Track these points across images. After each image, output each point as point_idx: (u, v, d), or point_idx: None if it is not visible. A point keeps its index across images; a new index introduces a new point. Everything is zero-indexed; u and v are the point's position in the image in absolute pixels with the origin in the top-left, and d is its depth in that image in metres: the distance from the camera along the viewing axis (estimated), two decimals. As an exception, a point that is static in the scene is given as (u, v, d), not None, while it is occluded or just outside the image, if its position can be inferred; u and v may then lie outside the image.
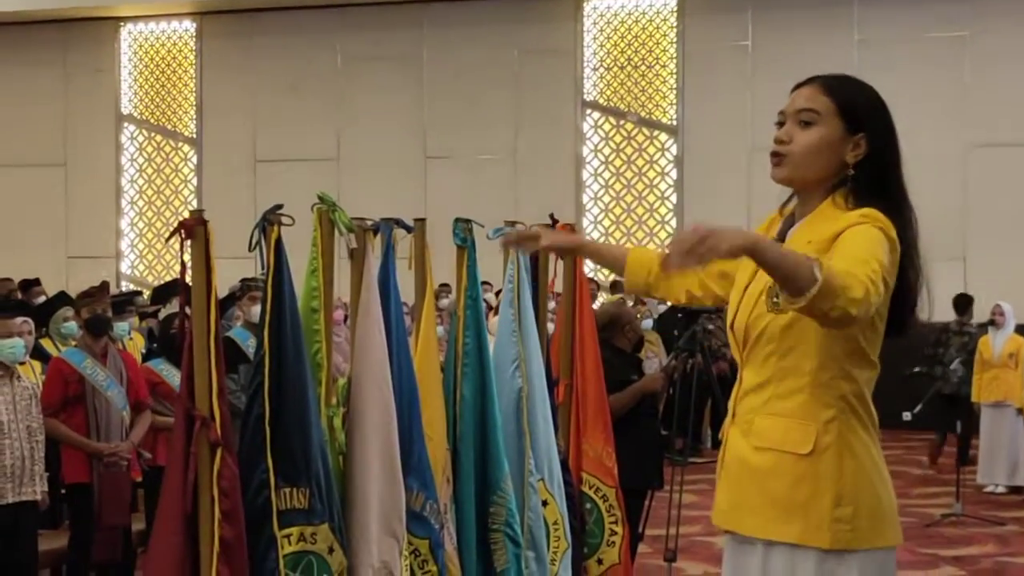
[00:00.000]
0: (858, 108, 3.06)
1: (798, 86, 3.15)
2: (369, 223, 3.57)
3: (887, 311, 3.03)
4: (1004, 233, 16.29)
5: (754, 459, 3.08)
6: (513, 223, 4.28)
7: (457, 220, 4.06)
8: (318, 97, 19.34)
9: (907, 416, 9.79)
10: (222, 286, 7.20)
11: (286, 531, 3.23)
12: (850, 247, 2.89)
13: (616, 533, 4.77)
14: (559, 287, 4.87)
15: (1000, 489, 12.21)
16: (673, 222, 18.37)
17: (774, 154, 3.11)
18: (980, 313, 12.42)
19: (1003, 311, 12.23)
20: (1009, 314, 12.24)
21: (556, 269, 4.72)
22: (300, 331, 3.30)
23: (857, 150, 3.05)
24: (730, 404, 3.18)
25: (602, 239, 18.04)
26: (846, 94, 3.10)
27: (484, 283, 4.25)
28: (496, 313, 4.70)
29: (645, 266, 3.46)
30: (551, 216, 4.66)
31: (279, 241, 3.26)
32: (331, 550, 3.30)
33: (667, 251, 2.80)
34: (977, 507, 11.14)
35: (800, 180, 3.11)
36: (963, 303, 12.63)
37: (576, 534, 4.51)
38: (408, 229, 3.74)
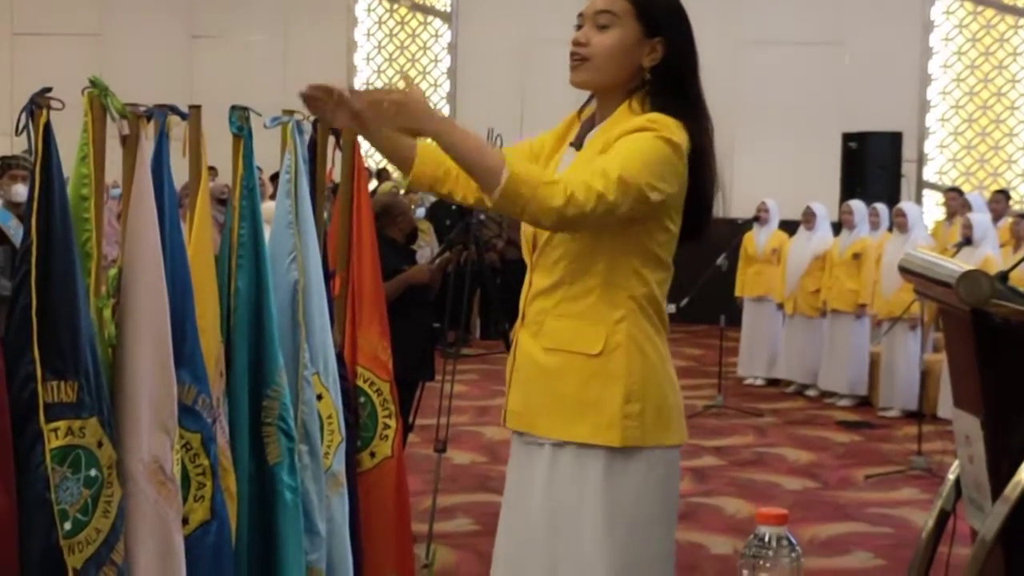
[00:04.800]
0: (656, 11, 3.07)
1: None
2: (143, 109, 3.44)
3: (680, 216, 3.07)
4: (770, 131, 16.72)
5: (544, 360, 3.11)
6: (291, 112, 4.18)
7: (234, 108, 3.94)
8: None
9: (672, 309, 9.97)
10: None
11: (53, 425, 3.12)
12: (607, 156, 2.93)
13: (389, 427, 4.76)
14: (337, 177, 4.80)
15: (759, 382, 12.66)
16: (446, 110, 18.35)
17: (572, 56, 3.11)
18: (746, 209, 12.76)
19: (768, 208, 12.60)
20: (773, 211, 12.62)
21: (335, 158, 4.64)
22: (69, 220, 3.17)
23: (654, 54, 3.07)
24: (520, 306, 3.19)
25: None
26: None
27: (256, 167, 4.15)
28: (273, 198, 4.60)
29: (436, 160, 3.27)
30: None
31: (48, 126, 3.12)
32: (100, 444, 3.21)
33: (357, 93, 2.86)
34: (738, 399, 11.54)
35: (597, 84, 3.12)
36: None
37: (350, 427, 4.49)
38: (183, 116, 3.61)
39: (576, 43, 3.11)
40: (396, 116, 2.87)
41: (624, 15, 3.07)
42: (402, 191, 9.00)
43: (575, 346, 3.06)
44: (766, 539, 2.14)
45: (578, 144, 3.17)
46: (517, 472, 3.25)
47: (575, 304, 3.07)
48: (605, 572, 3.05)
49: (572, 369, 3.06)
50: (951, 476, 3.38)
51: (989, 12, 17.24)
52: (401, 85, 2.93)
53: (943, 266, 3.13)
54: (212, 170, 11.04)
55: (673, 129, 2.97)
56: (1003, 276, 2.94)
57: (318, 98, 3.13)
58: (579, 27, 3.13)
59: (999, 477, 2.98)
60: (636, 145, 2.93)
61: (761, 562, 2.13)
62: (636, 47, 3.07)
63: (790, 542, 2.15)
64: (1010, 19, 17.19)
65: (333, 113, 3.11)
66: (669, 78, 3.07)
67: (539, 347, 3.12)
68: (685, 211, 3.08)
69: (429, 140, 3.03)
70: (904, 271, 3.32)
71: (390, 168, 16.48)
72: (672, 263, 3.15)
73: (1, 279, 6.03)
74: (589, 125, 3.19)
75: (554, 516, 3.11)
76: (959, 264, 3.10)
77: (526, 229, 3.17)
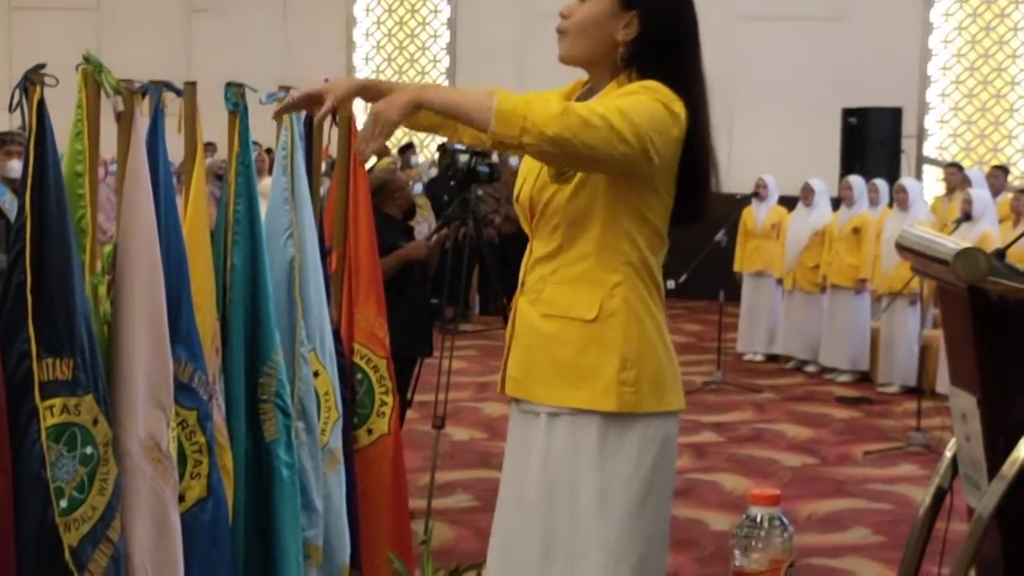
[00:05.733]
0: None
1: None
2: (137, 85, 3.43)
3: (673, 187, 3.06)
4: (768, 107, 16.70)
5: (542, 326, 3.11)
6: (287, 88, 4.17)
7: (229, 84, 3.93)
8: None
9: (671, 284, 10.01)
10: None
11: (48, 402, 3.12)
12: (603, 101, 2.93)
13: (386, 404, 4.77)
14: (334, 152, 4.79)
15: (758, 357, 12.65)
16: (445, 84, 18.28)
17: (558, 29, 3.11)
18: (745, 185, 12.74)
19: (766, 183, 12.58)
20: (772, 186, 12.60)
21: (331, 135, 4.63)
22: (64, 196, 3.16)
23: (629, 28, 3.04)
24: (520, 275, 3.19)
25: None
26: None
27: (253, 143, 4.15)
28: (269, 174, 4.59)
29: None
30: (325, 81, 4.55)
31: (42, 102, 3.11)
32: (95, 421, 3.21)
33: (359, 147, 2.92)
34: (737, 375, 11.53)
35: (576, 58, 3.12)
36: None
37: (347, 404, 4.49)
38: (178, 92, 3.60)
39: (560, 15, 3.12)
40: (386, 119, 2.86)
41: None
42: (399, 166, 8.99)
43: (571, 311, 3.06)
44: (758, 519, 2.14)
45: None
46: (514, 445, 3.25)
47: (572, 269, 3.07)
48: (599, 549, 3.05)
49: (569, 335, 3.06)
50: (948, 454, 3.37)
51: (991, -13, 17.21)
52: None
53: (940, 243, 3.12)
54: (211, 145, 11.04)
55: (670, 97, 2.96)
56: (1000, 253, 2.92)
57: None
58: None
59: (996, 455, 2.98)
60: (634, 101, 2.93)
61: (753, 542, 2.13)
62: (610, 20, 3.05)
63: (782, 522, 2.15)
64: (1011, -7, 17.15)
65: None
66: (652, 53, 3.04)
67: (537, 313, 3.12)
68: (681, 189, 3.07)
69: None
70: (901, 248, 3.31)
71: (389, 143, 16.47)
72: (667, 236, 3.13)
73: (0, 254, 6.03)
74: (586, 97, 3.17)
75: (550, 492, 3.11)
76: (955, 241, 3.09)
77: (523, 197, 3.15)
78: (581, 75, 3.23)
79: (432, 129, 3.43)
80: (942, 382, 9.76)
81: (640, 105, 2.91)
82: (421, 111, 2.94)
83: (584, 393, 3.05)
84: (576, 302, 3.06)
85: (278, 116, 3.51)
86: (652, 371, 3.07)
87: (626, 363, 3.03)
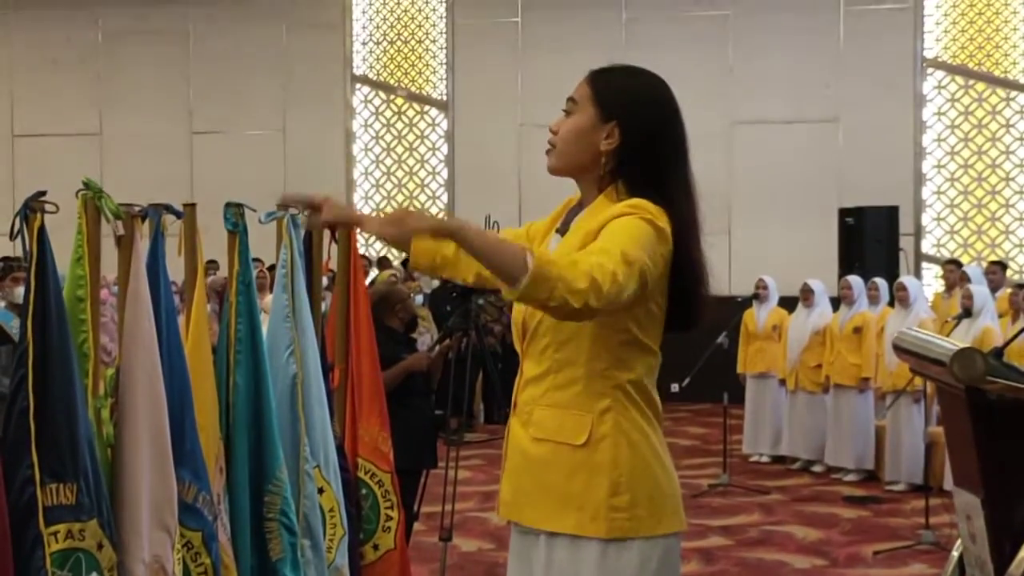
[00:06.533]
0: (611, 96, 3.09)
1: None
2: (137, 208, 3.46)
3: (665, 300, 3.07)
4: (766, 208, 16.82)
5: (532, 450, 3.10)
6: (286, 207, 4.21)
7: (228, 205, 3.97)
8: (78, 72, 18.80)
9: (675, 388, 10.02)
10: (-22, 267, 6.95)
11: (53, 528, 3.11)
12: (602, 238, 2.94)
13: (391, 518, 4.76)
14: (334, 267, 4.83)
15: (764, 459, 12.60)
16: (444, 197, 18.47)
17: (548, 143, 3.15)
18: (745, 286, 12.78)
19: (766, 284, 12.63)
20: (772, 287, 12.64)
21: (331, 251, 4.67)
22: (66, 322, 3.18)
23: (610, 139, 3.08)
24: (512, 395, 3.19)
25: (374, 215, 18.03)
26: (604, 82, 3.13)
27: (255, 259, 4.18)
28: (270, 290, 4.62)
29: (434, 245, 3.26)
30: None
31: (42, 229, 3.14)
32: (100, 546, 3.20)
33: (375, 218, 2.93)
34: (743, 477, 11.48)
35: (563, 169, 3.16)
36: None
37: (352, 520, 4.48)
38: (178, 215, 3.64)
39: (549, 130, 3.16)
40: (399, 226, 2.88)
41: (583, 100, 3.11)
42: (401, 279, 9.04)
43: (561, 436, 3.05)
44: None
45: (563, 229, 3.20)
46: (516, 561, 3.23)
47: (562, 393, 3.07)
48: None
49: (558, 460, 3.05)
50: (955, 553, 3.37)
51: (980, 85, 17.36)
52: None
53: (937, 344, 3.14)
54: (212, 263, 11.09)
55: (656, 213, 2.98)
56: (998, 352, 2.94)
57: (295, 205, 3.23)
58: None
59: (1002, 555, 2.97)
60: (626, 227, 2.94)
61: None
62: (592, 131, 3.09)
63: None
64: (1001, 91, 17.30)
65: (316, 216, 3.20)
66: (637, 163, 3.07)
67: (528, 436, 3.12)
68: (672, 301, 3.08)
69: None
70: (898, 350, 3.33)
71: (392, 256, 16.55)
72: (658, 349, 3.14)
73: (3, 378, 6.04)
74: (576, 211, 3.21)
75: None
76: (952, 342, 3.10)
77: (516, 316, 3.17)
78: (572, 185, 3.26)
79: (433, 270, 3.36)
80: (949, 479, 9.71)
81: (632, 234, 2.91)
82: (439, 245, 2.96)
83: (574, 519, 3.03)
84: (565, 426, 3.05)
85: (282, 203, 3.44)
86: (648, 494, 3.05)
87: (618, 488, 3.02)
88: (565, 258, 2.83)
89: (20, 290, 6.55)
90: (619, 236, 2.91)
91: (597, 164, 3.10)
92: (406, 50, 18.76)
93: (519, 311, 3.15)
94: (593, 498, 3.02)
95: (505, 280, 2.77)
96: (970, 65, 17.38)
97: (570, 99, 3.14)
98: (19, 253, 6.82)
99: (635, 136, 3.08)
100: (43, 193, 3.15)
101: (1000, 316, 10.93)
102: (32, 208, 3.13)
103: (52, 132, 18.64)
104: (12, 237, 3.14)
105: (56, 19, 18.74)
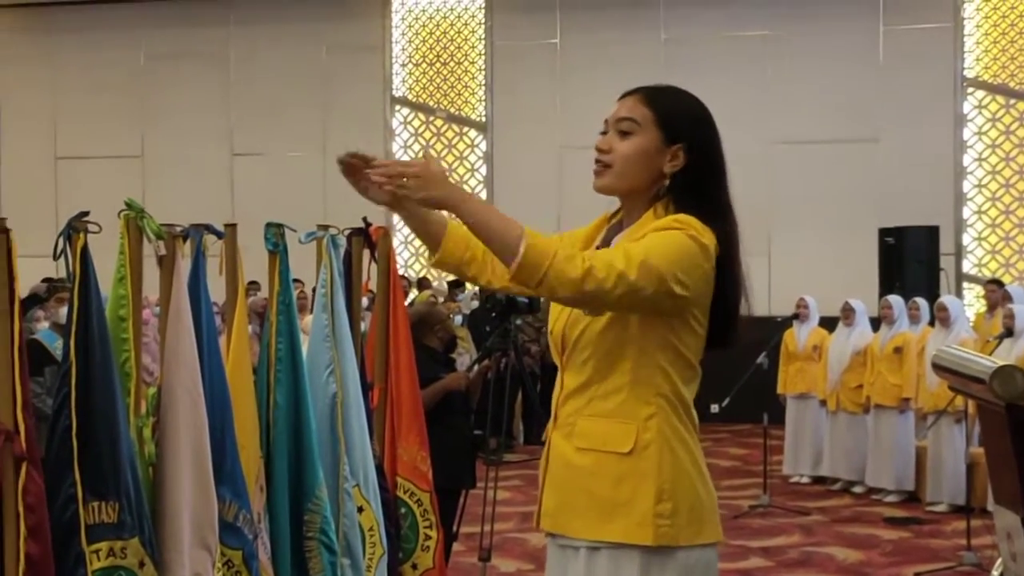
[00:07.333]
0: (676, 119, 3.11)
1: (623, 96, 3.19)
2: (178, 229, 3.50)
3: (706, 317, 3.08)
4: (806, 228, 16.78)
5: (577, 460, 3.11)
6: (326, 227, 4.24)
7: (269, 225, 4.00)
8: (121, 94, 18.95)
9: (715, 408, 9.99)
10: (23, 286, 7.02)
11: (95, 546, 3.14)
12: (633, 244, 2.96)
13: (431, 538, 4.77)
14: (373, 287, 4.85)
15: (805, 479, 12.53)
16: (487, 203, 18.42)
17: (596, 162, 3.15)
18: (785, 306, 12.74)
19: (807, 304, 12.58)
20: (812, 307, 12.59)
21: (370, 272, 4.70)
22: (108, 341, 3.22)
23: (675, 161, 3.10)
24: (552, 408, 3.20)
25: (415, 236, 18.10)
26: (666, 105, 3.13)
27: (295, 280, 4.21)
28: (311, 311, 4.65)
29: (464, 241, 3.32)
30: (364, 220, 4.64)
31: (85, 249, 3.17)
32: (142, 564, 3.23)
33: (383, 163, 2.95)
34: (783, 498, 11.42)
35: (620, 190, 3.16)
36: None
37: (391, 539, 4.49)
38: (219, 235, 3.67)
39: (599, 149, 3.16)
40: (417, 188, 2.96)
41: (645, 122, 3.11)
42: (440, 299, 9.06)
43: (607, 445, 3.07)
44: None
45: (605, 245, 3.20)
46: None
47: (605, 403, 3.08)
48: None
49: (604, 468, 3.07)
50: (995, 573, 3.35)
51: (1022, 104, 17.28)
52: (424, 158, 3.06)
53: (976, 362, 3.13)
54: (253, 284, 11.16)
55: (701, 230, 3.00)
56: (1037, 370, 2.93)
57: (354, 165, 3.20)
58: (604, 132, 3.18)
59: (1043, 573, 2.96)
60: (663, 238, 2.97)
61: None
62: (657, 154, 3.11)
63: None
64: (1042, 110, 17.23)
65: (367, 186, 3.18)
66: (692, 183, 3.10)
67: (572, 447, 3.13)
68: (713, 318, 3.10)
69: (457, 220, 3.09)
70: (938, 368, 3.32)
71: (431, 276, 16.57)
72: (699, 365, 3.15)
73: (47, 398, 6.10)
74: (617, 229, 3.22)
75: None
76: (992, 360, 3.09)
77: (554, 329, 3.19)
78: (612, 203, 3.28)
79: (458, 267, 3.39)
80: (991, 500, 9.64)
81: (668, 245, 2.95)
82: (443, 215, 3.00)
83: (621, 526, 3.04)
84: (611, 435, 3.07)
85: (342, 167, 3.37)
86: (689, 503, 3.07)
87: (662, 495, 3.04)
88: (568, 250, 2.89)
89: (64, 310, 6.61)
90: (650, 245, 2.94)
91: (656, 185, 3.12)
92: (445, 71, 18.84)
93: (558, 325, 3.17)
94: (640, 505, 3.03)
95: (500, 256, 2.93)
96: (1011, 84, 17.31)
97: (627, 119, 3.12)
98: (63, 274, 6.87)
99: (698, 158, 3.10)
100: (86, 213, 3.19)
101: (1042, 336, 10.84)
102: (75, 228, 3.16)
103: (95, 154, 18.80)
104: (56, 257, 3.17)
105: (99, 42, 18.91)
